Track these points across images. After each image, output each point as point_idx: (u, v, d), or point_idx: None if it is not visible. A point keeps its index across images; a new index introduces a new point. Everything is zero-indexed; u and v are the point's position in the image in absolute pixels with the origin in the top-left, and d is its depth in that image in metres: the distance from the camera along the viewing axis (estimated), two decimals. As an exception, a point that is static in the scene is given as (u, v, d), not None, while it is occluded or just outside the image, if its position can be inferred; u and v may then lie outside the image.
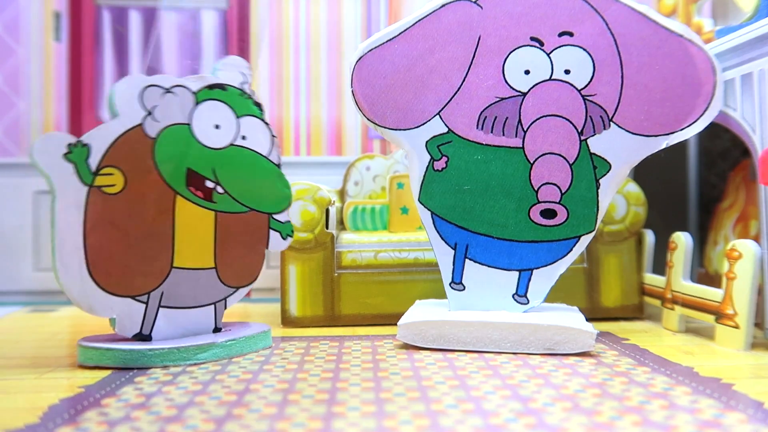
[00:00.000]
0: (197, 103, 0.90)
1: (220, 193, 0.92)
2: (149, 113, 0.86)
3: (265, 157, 0.96)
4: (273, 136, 0.97)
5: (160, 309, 0.88)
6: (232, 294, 0.95)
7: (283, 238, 0.99)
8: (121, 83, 0.85)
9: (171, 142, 0.88)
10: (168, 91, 0.88)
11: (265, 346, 0.96)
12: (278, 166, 0.97)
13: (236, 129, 0.93)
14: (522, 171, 0.95)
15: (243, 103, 0.94)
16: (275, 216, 0.98)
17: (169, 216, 0.88)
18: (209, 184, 0.91)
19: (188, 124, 0.89)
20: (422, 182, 0.97)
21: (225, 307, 0.95)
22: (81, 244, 0.82)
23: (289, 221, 1.00)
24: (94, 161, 0.83)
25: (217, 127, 0.91)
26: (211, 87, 0.91)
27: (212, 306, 0.93)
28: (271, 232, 0.98)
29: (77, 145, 0.82)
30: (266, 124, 0.96)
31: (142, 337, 0.87)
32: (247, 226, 0.95)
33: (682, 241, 1.08)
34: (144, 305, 0.87)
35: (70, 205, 0.82)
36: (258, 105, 0.96)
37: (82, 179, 0.82)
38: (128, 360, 0.83)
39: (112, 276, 0.84)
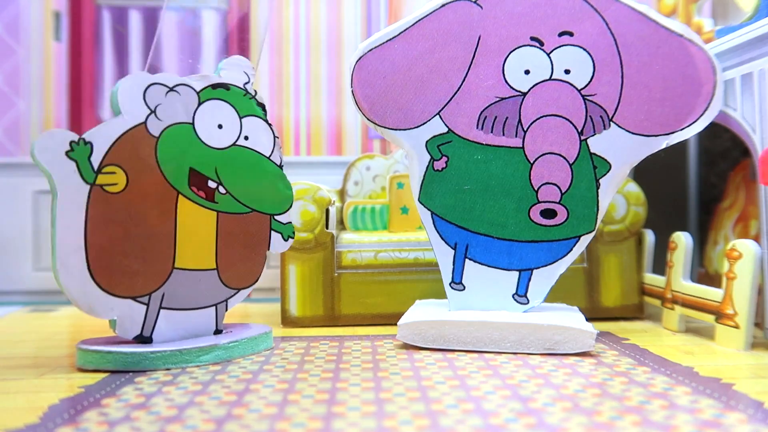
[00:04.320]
0: (200, 102, 0.90)
1: (222, 194, 0.92)
2: (152, 111, 0.86)
3: (267, 157, 0.96)
4: (275, 137, 0.97)
5: (161, 310, 0.87)
6: (233, 296, 0.95)
7: (285, 240, 0.99)
8: (125, 81, 0.84)
9: (174, 141, 0.87)
10: (172, 89, 0.87)
11: (266, 347, 0.95)
12: (280, 167, 0.97)
13: (239, 129, 0.93)
14: (522, 171, 0.95)
15: (246, 103, 0.94)
16: (277, 217, 0.98)
17: (171, 216, 0.88)
18: (211, 184, 0.91)
19: (191, 124, 0.89)
20: (422, 182, 0.97)
21: (226, 309, 0.94)
22: (82, 244, 0.81)
23: (290, 222, 0.99)
24: (96, 159, 0.82)
25: (220, 126, 0.91)
26: (214, 86, 0.91)
27: (213, 307, 0.93)
28: (273, 233, 0.97)
29: (79, 142, 0.81)
30: (269, 124, 0.96)
31: (143, 339, 0.86)
32: (249, 227, 0.95)
33: (682, 241, 1.08)
34: (145, 306, 0.86)
35: (71, 204, 0.80)
36: (261, 105, 0.95)
37: (84, 178, 0.81)
38: (129, 363, 0.82)
39: (113, 277, 0.83)
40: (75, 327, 1.22)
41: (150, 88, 0.85)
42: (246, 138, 0.93)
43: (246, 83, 0.94)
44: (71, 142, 0.80)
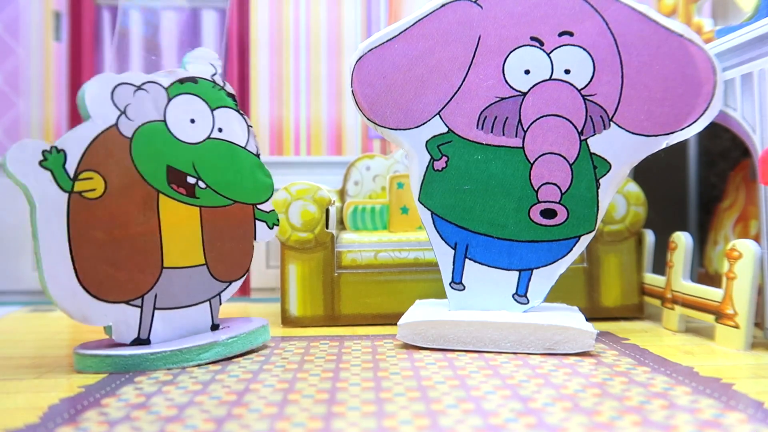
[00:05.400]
0: (170, 98, 0.88)
1: (202, 188, 0.91)
2: (122, 112, 0.84)
3: (243, 147, 0.95)
4: (249, 126, 0.96)
5: (156, 311, 0.87)
6: (225, 289, 0.94)
7: (270, 228, 0.99)
8: (90, 84, 0.82)
9: (148, 140, 0.86)
10: (139, 88, 0.85)
11: (265, 340, 0.95)
12: (257, 155, 0.97)
13: (212, 122, 0.92)
14: (522, 171, 0.95)
15: (216, 94, 0.93)
16: (260, 206, 0.97)
17: (154, 216, 0.87)
18: (191, 180, 0.90)
19: (163, 121, 0.87)
20: (422, 182, 0.97)
21: (220, 303, 0.94)
22: (67, 254, 0.79)
23: (273, 210, 0.99)
24: (71, 166, 0.80)
25: (192, 121, 0.90)
26: (182, 81, 0.90)
27: (207, 303, 0.93)
28: (258, 222, 0.97)
29: (52, 151, 0.78)
30: (241, 114, 0.95)
31: (141, 341, 0.86)
32: (233, 219, 0.94)
33: (682, 241, 1.08)
34: (139, 309, 0.85)
35: (51, 214, 0.79)
36: (231, 96, 0.94)
37: (60, 186, 0.79)
38: (130, 366, 0.81)
39: (103, 283, 0.82)
40: (75, 327, 1.22)
41: (117, 89, 0.84)
42: (220, 130, 0.92)
43: (213, 75, 0.93)
44: (44, 152, 0.78)
